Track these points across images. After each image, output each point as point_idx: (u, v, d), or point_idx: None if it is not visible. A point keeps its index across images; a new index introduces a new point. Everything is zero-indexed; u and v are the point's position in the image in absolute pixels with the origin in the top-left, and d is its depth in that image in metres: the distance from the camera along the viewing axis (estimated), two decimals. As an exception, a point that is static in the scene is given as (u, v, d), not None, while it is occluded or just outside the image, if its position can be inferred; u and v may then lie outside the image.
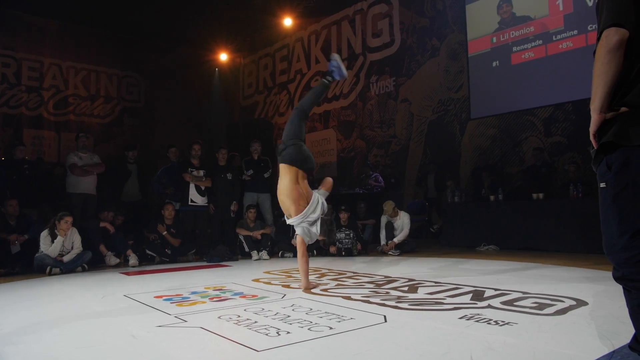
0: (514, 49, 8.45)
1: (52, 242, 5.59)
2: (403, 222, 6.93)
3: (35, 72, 11.52)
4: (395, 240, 6.79)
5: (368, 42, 11.27)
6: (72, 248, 5.76)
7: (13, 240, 5.95)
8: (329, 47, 12.24)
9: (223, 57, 14.10)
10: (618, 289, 3.19)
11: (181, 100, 13.38)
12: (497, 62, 8.70)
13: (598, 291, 3.44)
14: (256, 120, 12.96)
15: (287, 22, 12.15)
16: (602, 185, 1.75)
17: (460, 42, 9.37)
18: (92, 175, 7.20)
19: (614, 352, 2.05)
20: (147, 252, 6.58)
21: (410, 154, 10.23)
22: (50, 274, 5.44)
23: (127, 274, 5.47)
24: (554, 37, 7.91)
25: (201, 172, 7.07)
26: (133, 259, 6.22)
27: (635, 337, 1.72)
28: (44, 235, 5.64)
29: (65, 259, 5.65)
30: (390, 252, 6.77)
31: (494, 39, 8.76)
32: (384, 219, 7.05)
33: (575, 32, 7.62)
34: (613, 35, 1.63)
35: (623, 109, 1.67)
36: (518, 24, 8.42)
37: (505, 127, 8.65)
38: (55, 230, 5.64)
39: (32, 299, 3.90)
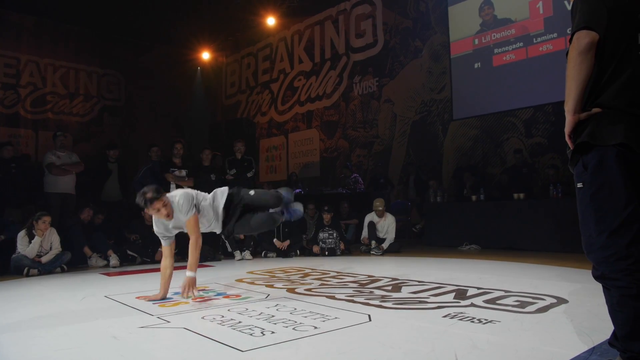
0: (496, 50, 8.57)
1: (30, 242, 5.47)
2: (388, 225, 6.96)
3: (11, 69, 11.25)
4: (384, 246, 6.82)
5: (351, 42, 11.31)
6: (50, 249, 5.64)
7: (-11, 241, 5.82)
8: (312, 47, 12.25)
9: (205, 55, 13.99)
10: (596, 287, 3.26)
11: (163, 99, 13.24)
12: (479, 63, 8.81)
13: (577, 289, 3.51)
14: (239, 120, 12.91)
15: (270, 21, 12.11)
16: (579, 185, 1.77)
17: (443, 44, 9.46)
18: (70, 175, 7.08)
19: (593, 348, 2.09)
20: (129, 252, 6.49)
21: (393, 154, 10.28)
22: (27, 275, 5.33)
23: (108, 274, 5.38)
24: (534, 39, 8.04)
25: (183, 172, 6.99)
26: (114, 260, 6.12)
27: (614, 334, 1.75)
28: (21, 235, 5.52)
29: (44, 259, 5.54)
30: (372, 252, 6.80)
31: (476, 41, 8.86)
32: (368, 218, 7.08)
33: (555, 35, 7.75)
34: (584, 38, 1.68)
35: (596, 109, 1.71)
36: (499, 27, 8.53)
37: (486, 128, 8.76)
38: (33, 231, 5.53)
39: (9, 301, 3.81)
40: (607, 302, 1.75)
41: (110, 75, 12.86)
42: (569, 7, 7.10)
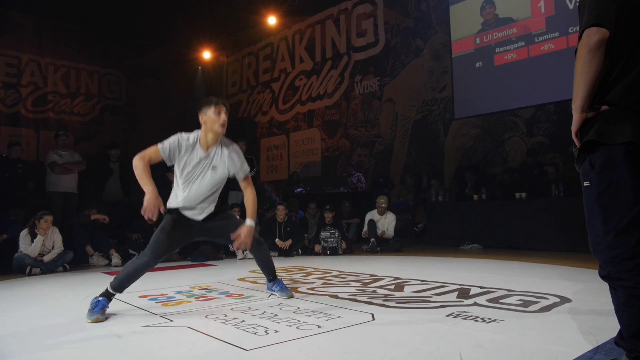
0: (497, 50, 8.57)
1: (32, 241, 5.48)
2: (388, 223, 6.99)
3: (12, 69, 11.26)
4: (385, 232, 6.90)
5: (352, 41, 11.30)
6: (52, 248, 5.65)
7: (-9, 240, 5.82)
8: (313, 46, 12.25)
9: (206, 55, 14.00)
10: (599, 286, 3.27)
11: (164, 99, 13.24)
12: (480, 62, 8.80)
13: (580, 288, 3.50)
14: (240, 119, 12.90)
15: (272, 20, 12.11)
16: (586, 184, 1.74)
17: (444, 43, 9.45)
18: (73, 174, 7.10)
19: (598, 347, 2.08)
20: (130, 251, 6.48)
21: (394, 153, 10.28)
22: (30, 274, 5.33)
23: (110, 273, 5.38)
24: (535, 39, 8.03)
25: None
26: (116, 259, 6.13)
27: (620, 333, 1.74)
28: (24, 234, 5.52)
29: (46, 258, 5.54)
30: (364, 248, 6.96)
31: (477, 40, 8.86)
32: (368, 216, 7.11)
33: (557, 34, 7.75)
34: (594, 35, 1.65)
35: (604, 107, 1.68)
36: (501, 26, 8.53)
37: (488, 127, 8.76)
38: (35, 230, 5.53)
39: (11, 301, 3.81)
40: (614, 301, 1.73)
41: (111, 74, 12.87)
42: (571, 7, 7.08)
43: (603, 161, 1.68)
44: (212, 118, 3.08)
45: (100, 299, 2.99)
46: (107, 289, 3.03)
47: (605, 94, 1.69)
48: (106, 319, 2.92)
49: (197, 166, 3.10)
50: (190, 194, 3.11)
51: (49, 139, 10.58)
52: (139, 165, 2.95)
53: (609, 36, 1.65)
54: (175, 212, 3.13)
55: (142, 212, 2.82)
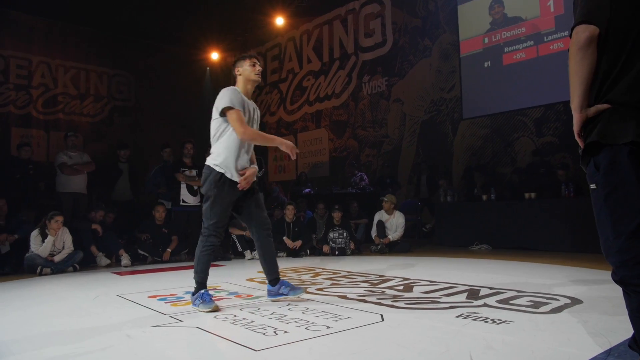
0: (506, 49, 8.51)
1: (43, 241, 5.53)
2: (397, 222, 6.97)
3: (23, 70, 11.36)
4: (390, 237, 6.84)
5: (360, 41, 11.28)
6: (63, 248, 5.70)
7: (2, 240, 5.87)
8: (321, 47, 12.25)
9: (214, 56, 14.04)
10: (610, 287, 3.24)
11: (172, 100, 13.29)
12: (489, 62, 8.75)
13: (591, 289, 3.47)
14: (248, 120, 12.92)
15: (279, 21, 12.12)
16: (593, 186, 1.70)
17: (452, 43, 9.41)
18: (82, 175, 7.15)
19: (610, 349, 2.06)
20: (139, 252, 6.53)
21: (402, 153, 10.25)
22: (40, 274, 5.39)
23: (120, 274, 5.42)
24: (545, 38, 7.98)
25: (194, 172, 7.02)
26: (125, 259, 6.17)
27: (634, 338, 1.70)
28: (35, 234, 5.57)
29: (56, 258, 5.59)
30: (372, 249, 6.89)
31: (486, 40, 8.81)
32: (377, 216, 7.09)
33: (566, 33, 7.62)
34: (582, 32, 1.62)
35: (605, 105, 1.64)
36: (509, 25, 8.48)
37: (497, 127, 8.70)
38: (46, 230, 5.58)
39: (22, 300, 3.84)
40: (627, 306, 1.68)
41: (120, 75, 12.94)
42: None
43: (607, 163, 1.63)
44: (248, 69, 3.38)
45: (202, 292, 3.12)
46: (197, 283, 3.17)
47: (608, 91, 1.65)
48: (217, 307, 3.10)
49: (253, 115, 3.36)
50: (246, 145, 3.28)
51: (59, 140, 10.65)
52: (250, 132, 3.18)
53: (599, 33, 1.61)
54: (223, 179, 3.18)
55: (292, 156, 3.25)
